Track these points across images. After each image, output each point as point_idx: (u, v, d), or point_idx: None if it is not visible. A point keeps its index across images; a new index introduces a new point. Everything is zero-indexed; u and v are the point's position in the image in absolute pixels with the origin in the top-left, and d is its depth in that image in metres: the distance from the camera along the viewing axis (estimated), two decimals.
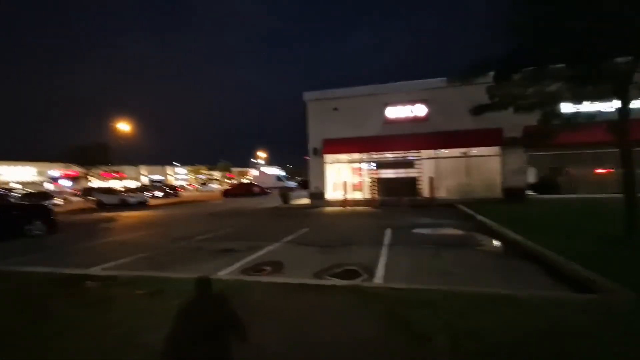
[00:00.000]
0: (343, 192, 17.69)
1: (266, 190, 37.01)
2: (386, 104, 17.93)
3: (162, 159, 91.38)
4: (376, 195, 18.07)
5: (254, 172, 58.01)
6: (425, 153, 17.76)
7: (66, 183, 54.38)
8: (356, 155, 18.85)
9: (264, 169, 56.50)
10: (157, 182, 66.37)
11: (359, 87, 18.51)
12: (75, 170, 41.38)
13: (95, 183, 43.20)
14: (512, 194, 16.11)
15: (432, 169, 17.73)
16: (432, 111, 17.32)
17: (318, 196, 19.01)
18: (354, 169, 19.27)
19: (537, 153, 16.14)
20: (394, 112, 17.87)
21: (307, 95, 19.15)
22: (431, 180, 16.56)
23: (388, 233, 8.97)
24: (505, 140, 16.16)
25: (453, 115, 17.03)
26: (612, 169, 15.57)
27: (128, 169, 75.18)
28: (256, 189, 35.46)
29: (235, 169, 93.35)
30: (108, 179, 57.75)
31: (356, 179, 19.03)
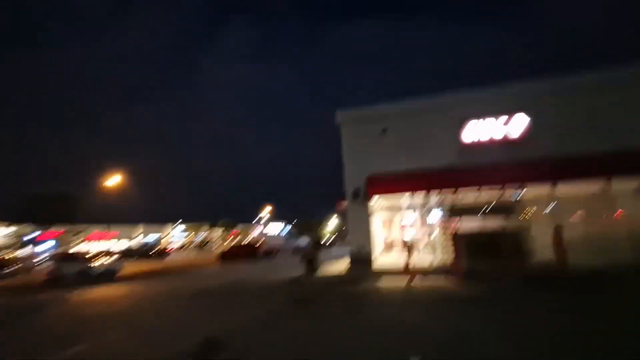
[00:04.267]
0: (405, 255, 11.10)
1: (274, 252, 30.10)
2: (463, 121, 12.15)
3: (164, 217, 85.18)
4: (457, 260, 11.32)
5: (258, 230, 51.09)
6: (528, 190, 11.50)
7: (45, 246, 47.47)
8: (418, 197, 12.63)
9: (268, 227, 49.70)
10: (146, 244, 59.27)
11: (420, 99, 12.94)
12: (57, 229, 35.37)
13: (84, 246, 36.79)
14: None
15: (547, 216, 11.32)
16: (535, 128, 11.44)
17: (362, 260, 12.35)
18: (416, 218, 12.90)
19: None
20: (475, 131, 12.02)
21: (342, 116, 13.52)
22: (559, 231, 10.04)
23: None
24: None
25: (567, 132, 11.12)
26: None
27: (122, 228, 68.91)
28: (261, 251, 28.58)
29: (239, 226, 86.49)
30: (97, 240, 51.02)
31: (418, 233, 12.56)
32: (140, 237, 70.13)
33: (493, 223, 11.85)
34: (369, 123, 13.14)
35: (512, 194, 11.54)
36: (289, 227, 46.33)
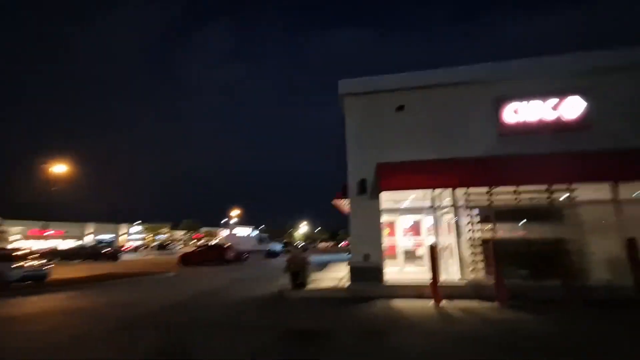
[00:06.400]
0: (428, 267, 8.32)
1: (244, 256, 26.54)
2: (502, 100, 9.69)
3: (121, 216, 77.95)
4: (498, 278, 8.57)
5: (225, 233, 46.68)
6: (585, 190, 9.16)
7: None
8: (446, 195, 9.98)
9: (236, 230, 45.72)
10: (103, 242, 53.18)
11: (448, 70, 10.33)
12: None
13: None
14: None
15: (607, 225, 9.02)
16: (597, 111, 9.17)
17: (369, 273, 9.42)
18: (438, 221, 10.21)
19: None
20: (517, 112, 9.57)
21: (346, 86, 10.62)
22: (634, 245, 7.66)
23: None
24: None
25: (630, 120, 8.95)
26: None
27: (71, 227, 61.80)
28: (230, 254, 24.93)
29: (204, 229, 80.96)
30: (44, 237, 44.49)
31: (441, 240, 9.86)
32: (91, 236, 63.40)
33: (537, 231, 9.39)
34: (381, 98, 10.38)
35: (562, 195, 9.16)
36: (256, 232, 42.46)
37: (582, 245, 8.90)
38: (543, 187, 9.21)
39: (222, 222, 69.27)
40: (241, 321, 6.93)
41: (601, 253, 8.78)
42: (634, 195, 8.94)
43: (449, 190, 9.66)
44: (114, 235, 68.47)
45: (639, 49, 9.31)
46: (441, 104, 10.00)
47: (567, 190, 9.12)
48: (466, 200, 9.61)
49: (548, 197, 9.18)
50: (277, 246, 35.12)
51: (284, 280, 10.74)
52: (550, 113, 9.30)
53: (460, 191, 9.60)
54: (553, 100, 9.31)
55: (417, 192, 10.95)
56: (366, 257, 9.53)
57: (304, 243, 57.79)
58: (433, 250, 8.33)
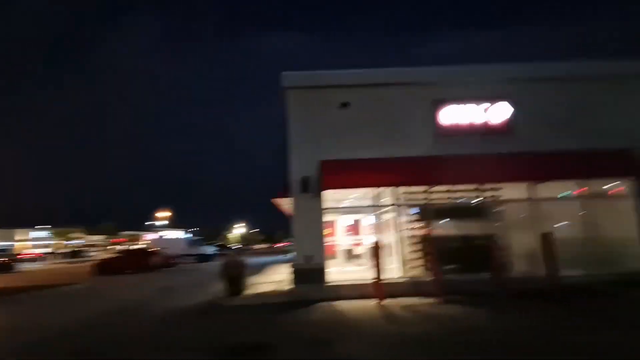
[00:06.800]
0: (371, 266, 8.23)
1: (172, 262, 24.38)
2: (439, 102, 10.06)
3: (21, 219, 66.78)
4: (436, 274, 8.76)
5: (152, 237, 42.61)
6: (509, 189, 9.92)
7: None
8: (387, 194, 10.02)
9: (165, 234, 42.07)
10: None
11: (391, 70, 10.44)
12: None
13: None
14: None
15: (526, 221, 9.86)
16: (518, 117, 10.00)
17: (312, 274, 9.02)
18: (380, 219, 10.22)
19: None
20: (453, 115, 10.01)
21: (290, 79, 10.11)
22: (549, 239, 8.43)
23: None
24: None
25: (551, 126, 9.98)
26: None
27: None
28: (155, 260, 22.64)
29: (126, 233, 73.39)
30: None
31: (380, 238, 9.87)
32: None
33: (469, 228, 9.92)
34: (325, 94, 10.09)
35: (491, 193, 9.81)
36: (189, 235, 39.36)
37: (506, 240, 9.63)
38: (473, 186, 9.78)
39: (148, 225, 63.42)
40: (166, 339, 5.99)
41: (521, 247, 9.59)
42: (559, 196, 9.93)
43: (390, 189, 9.73)
44: (11, 243, 58.36)
45: (556, 65, 10.45)
46: (384, 103, 10.06)
47: (493, 189, 9.80)
48: (406, 198, 9.78)
49: (477, 196, 9.77)
50: (210, 249, 33.07)
51: (219, 287, 9.83)
52: (481, 117, 9.93)
53: (400, 190, 9.73)
54: (483, 105, 9.95)
55: (358, 191, 10.91)
56: (309, 258, 9.13)
57: (240, 245, 55.69)
58: (376, 248, 8.24)
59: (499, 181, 9.69)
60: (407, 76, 10.22)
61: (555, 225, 9.45)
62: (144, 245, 35.25)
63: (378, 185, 9.58)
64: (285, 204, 11.89)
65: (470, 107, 9.94)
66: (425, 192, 9.75)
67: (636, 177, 9.65)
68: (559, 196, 9.85)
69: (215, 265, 12.05)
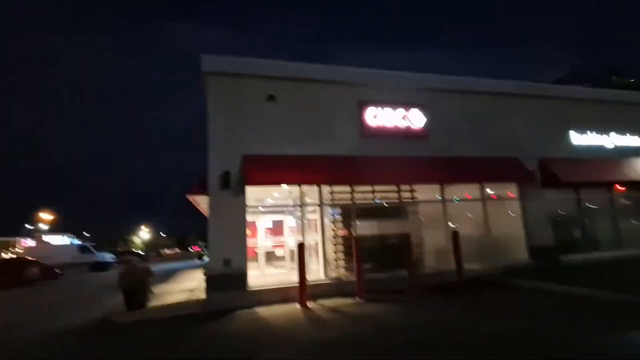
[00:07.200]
0: (298, 269, 7.86)
1: (57, 272, 20.45)
2: (364, 103, 10.23)
3: None
4: (359, 274, 8.73)
5: (29, 243, 35.34)
6: (422, 191, 10.56)
7: None
8: (312, 193, 9.74)
9: (52, 238, 35.45)
10: None
11: (318, 67, 10.23)
12: None
13: None
14: (542, 256, 10.73)
15: (436, 220, 10.60)
16: (432, 124, 10.76)
17: (231, 280, 8.20)
18: (304, 220, 9.86)
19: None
20: (377, 117, 10.27)
21: (210, 63, 9.14)
22: (456, 237, 9.18)
23: None
24: (526, 174, 11.11)
25: (458, 133, 11.00)
26: None
27: None
28: (33, 271, 18.70)
29: None
30: None
31: (309, 238, 9.54)
32: None
33: (389, 227, 10.27)
34: (250, 83, 9.42)
35: (408, 194, 10.32)
36: (76, 240, 33.14)
37: (421, 238, 10.25)
38: (394, 187, 10.19)
39: (28, 229, 52.57)
40: None
41: (432, 244, 10.31)
42: (455, 199, 10.89)
43: (315, 188, 9.52)
44: None
45: (460, 79, 11.58)
46: (312, 99, 9.83)
47: (411, 190, 10.36)
48: (331, 198, 9.68)
49: (397, 196, 10.20)
50: (108, 256, 28.85)
51: (117, 300, 8.34)
52: (401, 121, 10.41)
53: (325, 189, 9.60)
54: (403, 110, 10.46)
55: (281, 191, 10.48)
56: (227, 262, 8.31)
57: (143, 252, 50.02)
58: (301, 248, 7.90)
59: (416, 182, 10.27)
60: (334, 74, 10.17)
61: (457, 225, 10.35)
62: (23, 254, 28.93)
63: (303, 183, 9.26)
64: (202, 202, 10.78)
65: (392, 110, 10.36)
66: (350, 192, 9.79)
67: (520, 183, 11.22)
68: (455, 199, 10.88)
69: (113, 274, 10.31)
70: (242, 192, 8.71)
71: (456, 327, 5.38)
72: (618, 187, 12.61)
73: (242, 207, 8.69)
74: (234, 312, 7.22)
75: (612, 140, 12.93)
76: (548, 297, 7.11)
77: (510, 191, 11.35)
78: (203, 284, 8.88)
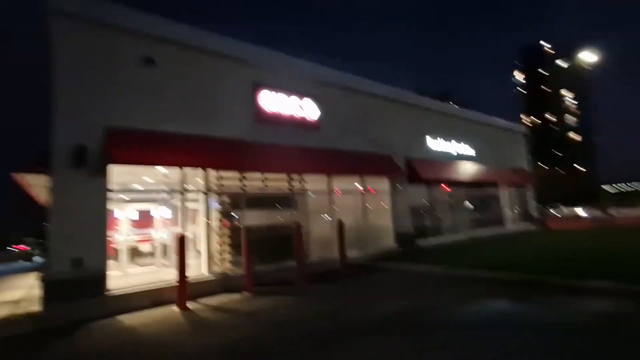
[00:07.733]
0: (177, 265, 6.75)
1: None
2: (258, 85, 9.53)
3: None
4: (248, 268, 8.00)
5: None
6: (310, 181, 10.62)
7: None
8: (194, 178, 8.47)
9: None
10: None
11: (211, 35, 8.93)
12: None
13: None
14: (405, 242, 12.42)
15: (321, 209, 10.83)
16: (324, 116, 10.92)
17: (83, 285, 6.36)
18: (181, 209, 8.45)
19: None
20: (271, 102, 9.73)
21: (62, 1, 6.85)
22: (341, 226, 9.58)
23: None
24: (398, 171, 12.57)
25: (346, 128, 11.57)
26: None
27: None
28: None
29: None
30: None
31: (189, 230, 8.23)
32: None
33: (279, 217, 9.94)
34: (122, 41, 7.53)
35: (298, 184, 10.22)
36: None
37: (309, 228, 10.33)
38: (284, 175, 9.93)
39: None
40: None
41: (319, 234, 10.55)
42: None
43: (199, 172, 8.39)
44: None
45: (350, 77, 12.19)
46: (201, 72, 8.57)
47: (301, 180, 10.30)
48: (218, 184, 8.72)
49: (287, 185, 9.99)
50: None
51: None
52: (296, 110, 10.22)
53: (211, 174, 8.57)
54: (297, 99, 10.28)
55: (154, 175, 8.92)
56: (77, 262, 6.44)
57: None
58: (181, 242, 6.78)
59: (307, 172, 10.26)
60: (227, 47, 9.11)
61: (336, 215, 10.92)
62: None
63: (187, 165, 8.00)
64: (39, 183, 8.08)
65: (286, 97, 10.04)
66: (240, 179, 9.03)
67: (390, 178, 12.63)
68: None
69: None
70: (103, 173, 6.90)
71: (348, 312, 5.49)
72: (446, 186, 15.61)
73: (101, 192, 6.88)
74: (87, 325, 5.63)
75: (452, 146, 15.95)
76: (415, 276, 8.11)
77: (383, 185, 12.63)
78: (36, 293, 6.70)
